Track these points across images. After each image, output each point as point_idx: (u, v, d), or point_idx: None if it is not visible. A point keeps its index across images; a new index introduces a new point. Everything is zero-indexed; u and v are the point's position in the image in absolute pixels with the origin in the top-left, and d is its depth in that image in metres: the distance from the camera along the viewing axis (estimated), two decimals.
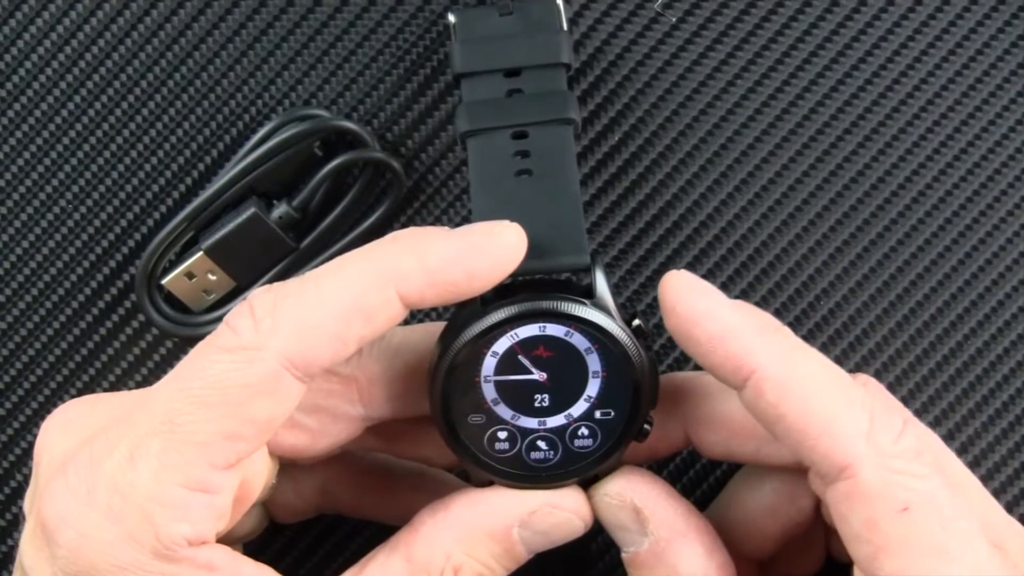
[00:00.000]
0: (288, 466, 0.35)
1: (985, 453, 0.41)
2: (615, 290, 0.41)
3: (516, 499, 0.33)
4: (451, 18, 0.38)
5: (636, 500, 0.33)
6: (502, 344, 0.32)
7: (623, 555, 0.34)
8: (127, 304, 0.42)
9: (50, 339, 0.42)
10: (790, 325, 0.41)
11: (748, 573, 0.36)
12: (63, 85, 0.41)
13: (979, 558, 0.30)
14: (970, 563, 0.30)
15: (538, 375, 0.33)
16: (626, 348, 0.32)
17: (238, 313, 0.31)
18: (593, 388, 0.33)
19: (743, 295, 0.41)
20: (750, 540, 0.36)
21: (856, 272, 0.41)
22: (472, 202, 0.34)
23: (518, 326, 0.32)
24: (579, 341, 0.32)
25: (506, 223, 0.32)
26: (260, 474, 0.33)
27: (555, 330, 0.32)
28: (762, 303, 0.41)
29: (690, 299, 0.32)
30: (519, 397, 0.33)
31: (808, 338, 0.41)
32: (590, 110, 0.40)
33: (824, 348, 0.41)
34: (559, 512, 0.33)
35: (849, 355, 0.41)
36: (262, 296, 0.31)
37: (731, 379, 0.32)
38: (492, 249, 0.31)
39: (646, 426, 0.33)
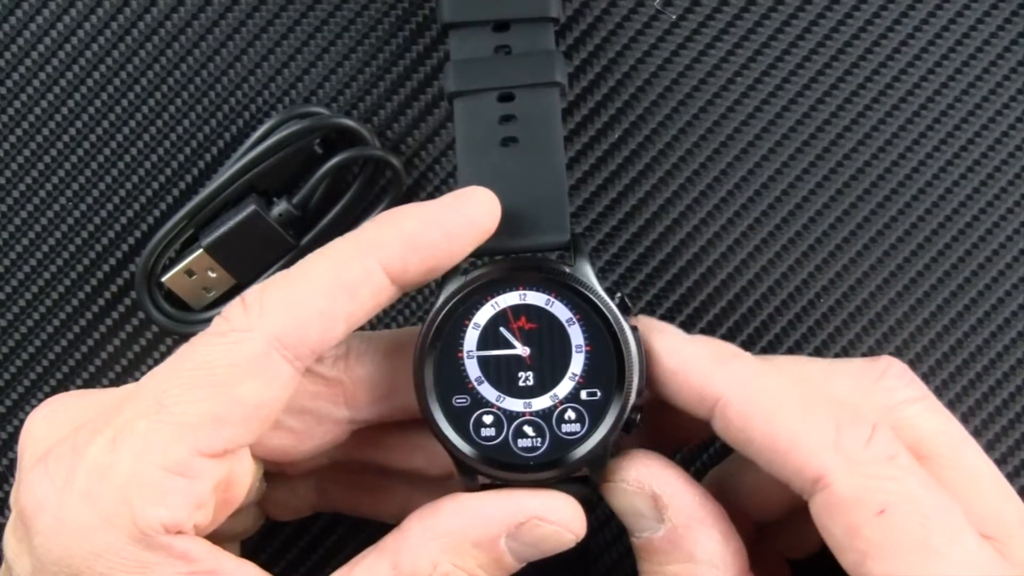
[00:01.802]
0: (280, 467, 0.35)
1: (984, 450, 0.41)
2: (615, 288, 0.41)
3: (504, 508, 0.33)
4: None
5: (655, 486, 0.33)
6: (483, 314, 0.32)
7: (634, 540, 0.34)
8: (127, 302, 0.42)
9: (50, 336, 0.42)
10: (789, 323, 0.41)
11: (745, 530, 0.36)
12: (63, 83, 0.41)
13: (966, 550, 0.30)
14: (956, 557, 0.30)
15: (521, 350, 0.33)
16: (608, 316, 0.32)
17: (231, 305, 0.31)
18: (577, 364, 0.33)
19: (743, 292, 0.41)
20: (756, 505, 0.36)
21: (855, 270, 0.41)
22: (458, 172, 0.35)
23: (498, 291, 0.32)
24: (560, 311, 0.32)
25: (477, 187, 0.33)
26: (245, 475, 0.32)
27: (536, 298, 0.32)
28: (762, 300, 0.41)
29: (649, 340, 0.33)
30: (503, 375, 0.33)
31: (808, 336, 0.41)
32: (590, 107, 0.40)
33: (823, 345, 0.41)
34: (547, 525, 0.33)
35: (848, 352, 0.41)
36: (253, 288, 0.32)
37: (699, 410, 0.32)
38: (465, 208, 0.32)
39: (636, 415, 0.33)
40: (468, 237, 0.32)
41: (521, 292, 0.32)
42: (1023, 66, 0.40)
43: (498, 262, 0.33)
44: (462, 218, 0.32)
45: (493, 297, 0.32)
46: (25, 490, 0.30)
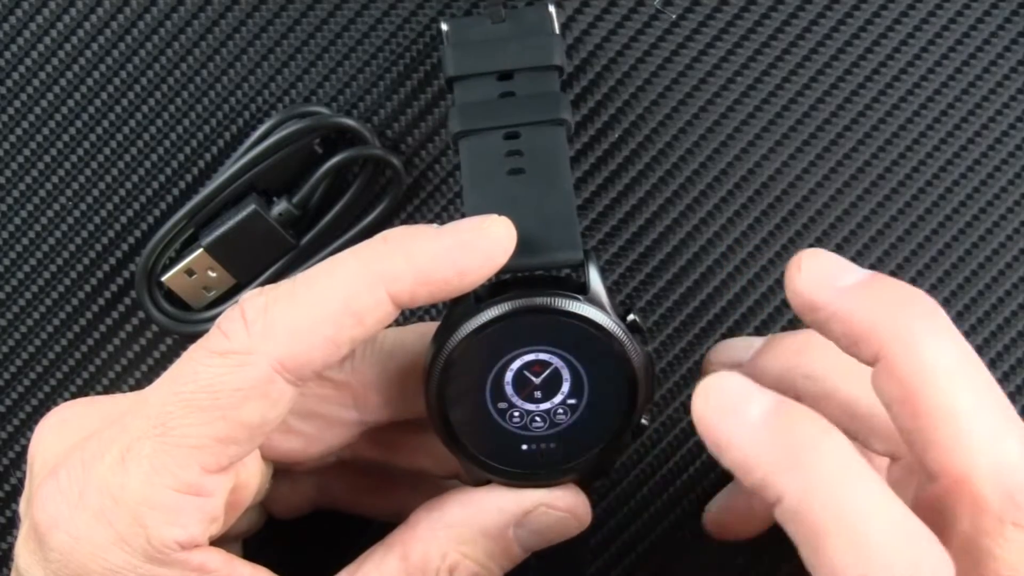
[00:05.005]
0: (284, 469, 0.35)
1: None
2: (615, 288, 0.41)
3: (511, 498, 0.33)
4: (443, 26, 0.38)
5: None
6: (496, 358, 0.32)
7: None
8: (127, 301, 0.42)
9: (50, 336, 0.42)
10: (789, 323, 0.41)
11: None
12: (63, 82, 0.41)
13: None
14: None
15: (534, 380, 0.33)
16: (621, 343, 0.32)
17: (229, 317, 0.30)
18: (590, 390, 0.33)
19: (743, 292, 0.41)
20: None
21: None
22: (465, 200, 0.34)
23: (511, 349, 0.32)
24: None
25: (494, 217, 0.31)
26: (253, 478, 0.33)
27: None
28: (762, 300, 0.41)
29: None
30: (515, 401, 0.33)
31: None
32: (589, 107, 0.40)
33: None
34: (554, 512, 0.33)
35: None
36: (253, 299, 0.31)
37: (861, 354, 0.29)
38: (481, 245, 0.31)
39: (643, 421, 0.33)
40: (481, 273, 0.31)
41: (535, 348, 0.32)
42: (1023, 66, 0.40)
43: (512, 290, 0.32)
44: (477, 256, 0.31)
45: (507, 354, 0.32)
46: (39, 506, 0.30)
